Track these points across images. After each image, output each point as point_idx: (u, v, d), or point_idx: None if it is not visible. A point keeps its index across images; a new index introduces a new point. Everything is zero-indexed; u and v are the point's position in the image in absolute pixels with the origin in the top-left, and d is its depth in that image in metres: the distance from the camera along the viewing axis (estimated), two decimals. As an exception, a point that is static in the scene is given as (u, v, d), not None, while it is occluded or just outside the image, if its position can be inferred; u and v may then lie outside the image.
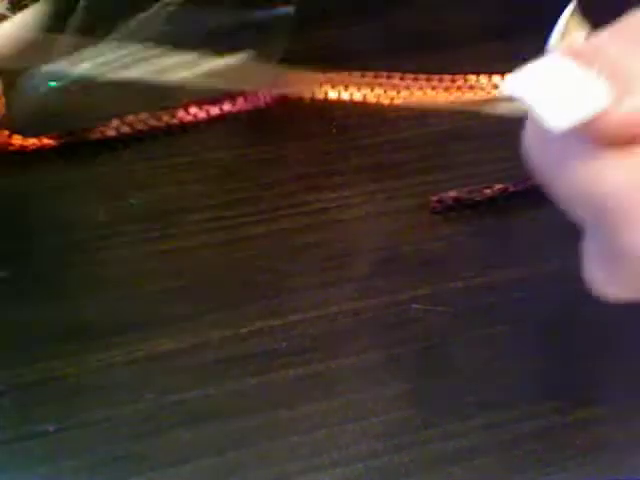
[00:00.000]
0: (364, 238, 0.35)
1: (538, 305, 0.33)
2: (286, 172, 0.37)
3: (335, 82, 0.39)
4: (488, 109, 0.30)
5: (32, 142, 0.36)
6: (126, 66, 0.30)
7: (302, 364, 0.31)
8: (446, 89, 0.39)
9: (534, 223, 0.35)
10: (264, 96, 0.39)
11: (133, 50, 0.31)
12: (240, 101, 0.38)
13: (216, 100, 0.38)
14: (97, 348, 0.31)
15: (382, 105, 0.39)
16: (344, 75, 0.39)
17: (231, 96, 0.38)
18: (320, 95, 0.39)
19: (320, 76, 0.39)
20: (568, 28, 0.28)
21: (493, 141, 0.38)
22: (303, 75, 0.39)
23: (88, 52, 0.31)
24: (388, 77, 0.39)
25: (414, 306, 0.32)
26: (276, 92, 0.39)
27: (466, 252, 0.34)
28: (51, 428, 0.29)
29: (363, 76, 0.40)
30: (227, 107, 0.38)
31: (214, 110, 0.38)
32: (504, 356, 0.31)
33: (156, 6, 0.36)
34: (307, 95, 0.39)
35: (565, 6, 0.45)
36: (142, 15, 0.35)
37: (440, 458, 0.29)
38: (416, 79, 0.40)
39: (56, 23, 0.34)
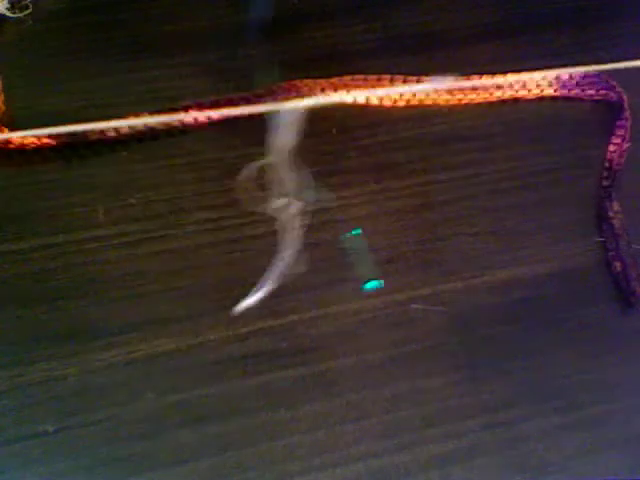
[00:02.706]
0: (364, 238, 0.35)
1: (538, 305, 0.33)
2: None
3: (337, 86, 0.39)
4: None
5: (31, 141, 0.36)
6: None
7: (302, 364, 0.31)
8: (449, 91, 0.39)
9: (532, 224, 0.35)
10: (266, 101, 0.39)
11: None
12: (241, 105, 0.38)
13: (217, 104, 0.38)
14: (97, 348, 0.31)
15: (384, 107, 0.39)
16: (346, 78, 0.40)
17: (232, 100, 0.38)
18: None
19: (322, 81, 0.39)
20: None
21: (493, 141, 0.38)
22: (305, 81, 0.39)
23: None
24: (391, 80, 0.40)
25: (414, 306, 0.32)
26: (278, 97, 0.39)
27: (466, 252, 0.34)
28: (51, 428, 0.29)
29: (366, 79, 0.40)
30: (228, 111, 0.38)
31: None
32: (504, 356, 0.31)
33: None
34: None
35: (561, 6, 0.45)
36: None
37: (440, 458, 0.29)
38: (419, 81, 0.40)
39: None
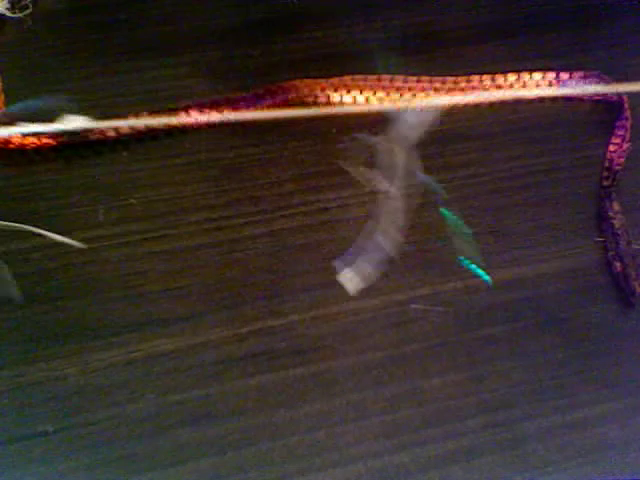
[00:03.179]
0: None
1: (538, 305, 0.33)
2: (286, 172, 0.37)
3: (337, 86, 0.39)
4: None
5: (31, 141, 0.36)
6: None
7: (302, 364, 0.31)
8: (449, 91, 0.39)
9: (532, 224, 0.35)
10: (266, 101, 0.39)
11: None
12: (242, 106, 0.38)
13: (217, 104, 0.38)
14: (97, 348, 0.31)
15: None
16: (346, 79, 0.40)
17: (232, 100, 0.38)
18: (322, 99, 0.39)
19: (322, 81, 0.39)
20: None
21: (493, 141, 0.38)
22: (305, 81, 0.39)
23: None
24: (391, 80, 0.39)
25: (414, 306, 0.32)
26: (278, 97, 0.39)
27: (466, 252, 0.34)
28: (51, 428, 0.29)
29: (365, 79, 0.40)
30: (228, 112, 0.38)
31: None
32: (504, 356, 0.31)
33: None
34: (309, 100, 0.39)
35: (561, 6, 0.45)
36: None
37: (440, 458, 0.29)
38: (419, 81, 0.40)
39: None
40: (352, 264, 0.28)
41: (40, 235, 0.33)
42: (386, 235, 0.27)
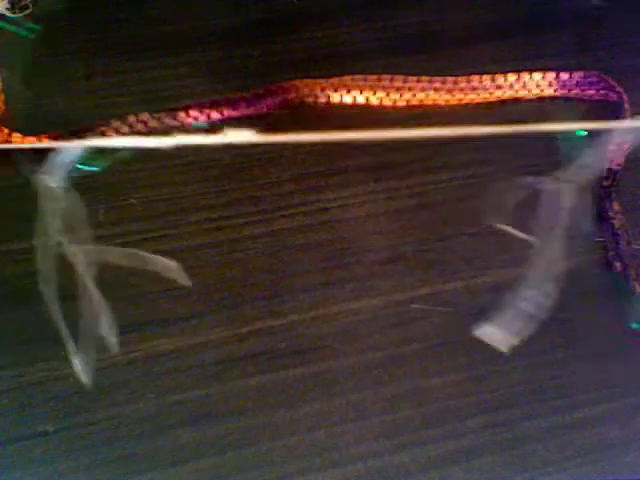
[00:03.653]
0: (364, 238, 0.35)
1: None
2: (286, 172, 0.37)
3: (337, 86, 0.39)
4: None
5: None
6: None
7: (302, 364, 0.31)
8: (449, 91, 0.39)
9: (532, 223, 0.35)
10: (266, 101, 0.39)
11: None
12: (242, 106, 0.38)
13: (217, 104, 0.38)
14: (97, 348, 0.31)
15: (384, 108, 0.40)
16: (346, 79, 0.40)
17: (232, 100, 0.38)
18: (323, 99, 0.39)
19: (322, 81, 0.39)
20: None
21: (493, 141, 0.38)
22: (305, 81, 0.39)
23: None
24: (391, 80, 0.40)
25: (414, 306, 0.32)
26: (278, 97, 0.39)
27: (466, 252, 0.34)
28: (51, 428, 0.29)
29: (365, 79, 0.40)
30: (228, 112, 0.38)
31: (215, 114, 0.38)
32: (504, 356, 0.31)
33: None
34: (310, 100, 0.39)
35: (561, 6, 0.45)
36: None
37: (440, 458, 0.29)
38: (419, 81, 0.40)
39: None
40: (499, 324, 0.28)
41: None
42: (538, 288, 0.26)
